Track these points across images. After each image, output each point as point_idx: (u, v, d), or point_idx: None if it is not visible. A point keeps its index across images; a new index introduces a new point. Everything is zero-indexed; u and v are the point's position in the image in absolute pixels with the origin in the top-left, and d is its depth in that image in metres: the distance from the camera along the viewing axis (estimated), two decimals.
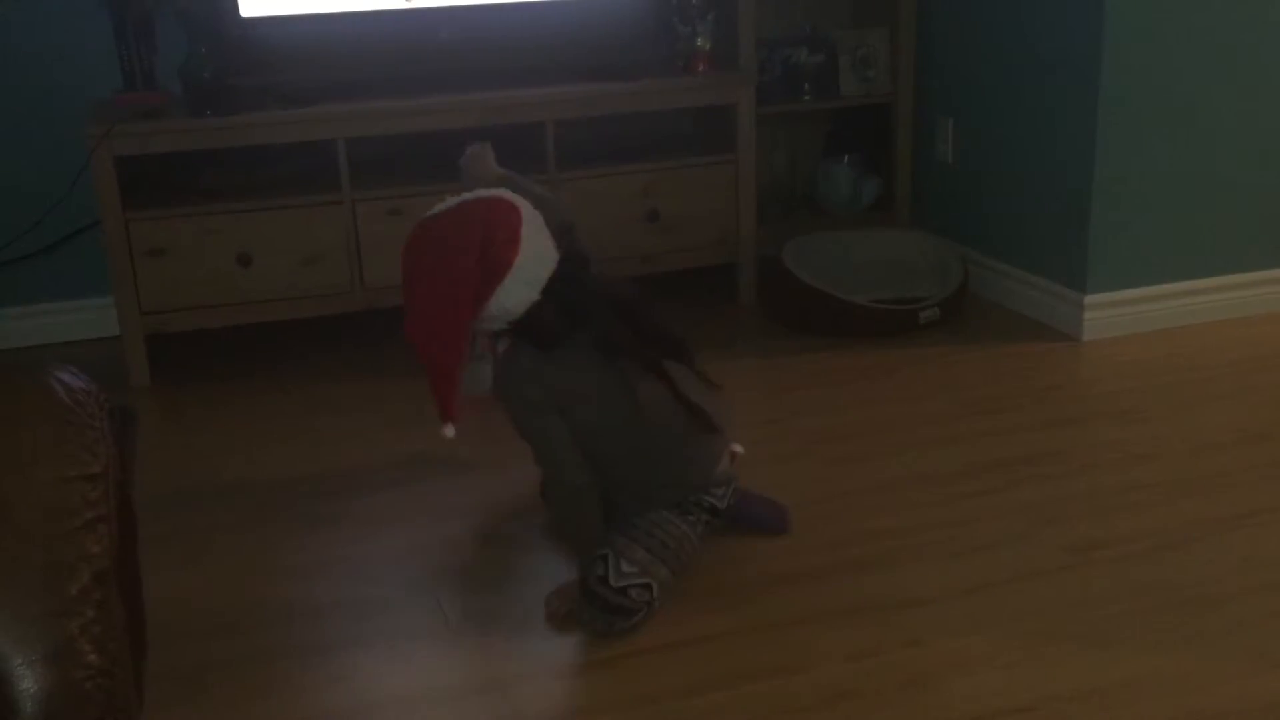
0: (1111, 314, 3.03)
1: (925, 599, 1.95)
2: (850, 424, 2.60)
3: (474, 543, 2.19)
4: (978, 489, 2.30)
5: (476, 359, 2.02)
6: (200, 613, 1.97)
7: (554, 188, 3.08)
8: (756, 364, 2.99)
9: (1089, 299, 3.01)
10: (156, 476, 2.41)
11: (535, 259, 1.87)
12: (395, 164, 3.15)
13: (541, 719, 1.71)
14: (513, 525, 2.25)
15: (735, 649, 1.84)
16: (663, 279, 3.32)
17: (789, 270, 3.16)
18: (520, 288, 1.86)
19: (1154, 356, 2.92)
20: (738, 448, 2.08)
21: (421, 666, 1.83)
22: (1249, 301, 3.16)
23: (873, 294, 3.16)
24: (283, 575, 2.09)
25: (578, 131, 3.20)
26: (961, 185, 3.44)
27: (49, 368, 1.24)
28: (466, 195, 1.90)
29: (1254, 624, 1.86)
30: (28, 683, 1.01)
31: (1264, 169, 3.09)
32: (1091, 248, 2.98)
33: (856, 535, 2.15)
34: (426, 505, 2.31)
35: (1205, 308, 3.12)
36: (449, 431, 1.86)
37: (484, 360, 2.10)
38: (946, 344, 3.02)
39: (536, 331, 1.90)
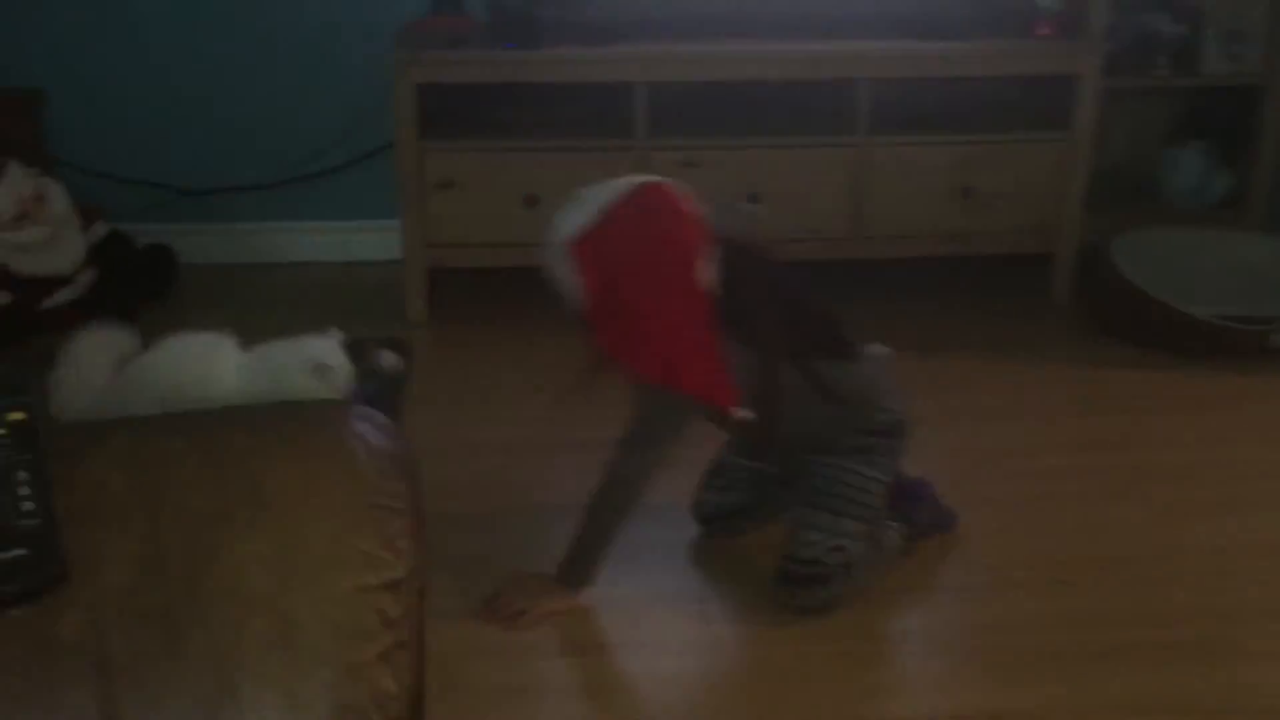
0: None
1: (1267, 709, 1.62)
2: (1183, 464, 2.24)
3: (746, 546, 1.99)
4: None
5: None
6: (448, 596, 1.85)
7: (860, 152, 2.84)
8: (1069, 375, 2.64)
9: None
10: (416, 425, 2.34)
11: None
12: (688, 112, 2.96)
13: None
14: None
15: None
16: (967, 263, 3.02)
17: (1117, 269, 2.79)
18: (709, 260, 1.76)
19: None
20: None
21: (686, 675, 1.68)
22: None
23: (1216, 307, 2.74)
24: (543, 554, 1.95)
25: (889, 92, 2.90)
26: None
27: (351, 417, 1.05)
28: (609, 189, 1.83)
29: None
30: None
31: None
32: None
33: (1181, 611, 1.83)
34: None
35: None
36: (743, 413, 1.76)
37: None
38: None
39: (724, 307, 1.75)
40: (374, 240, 3.20)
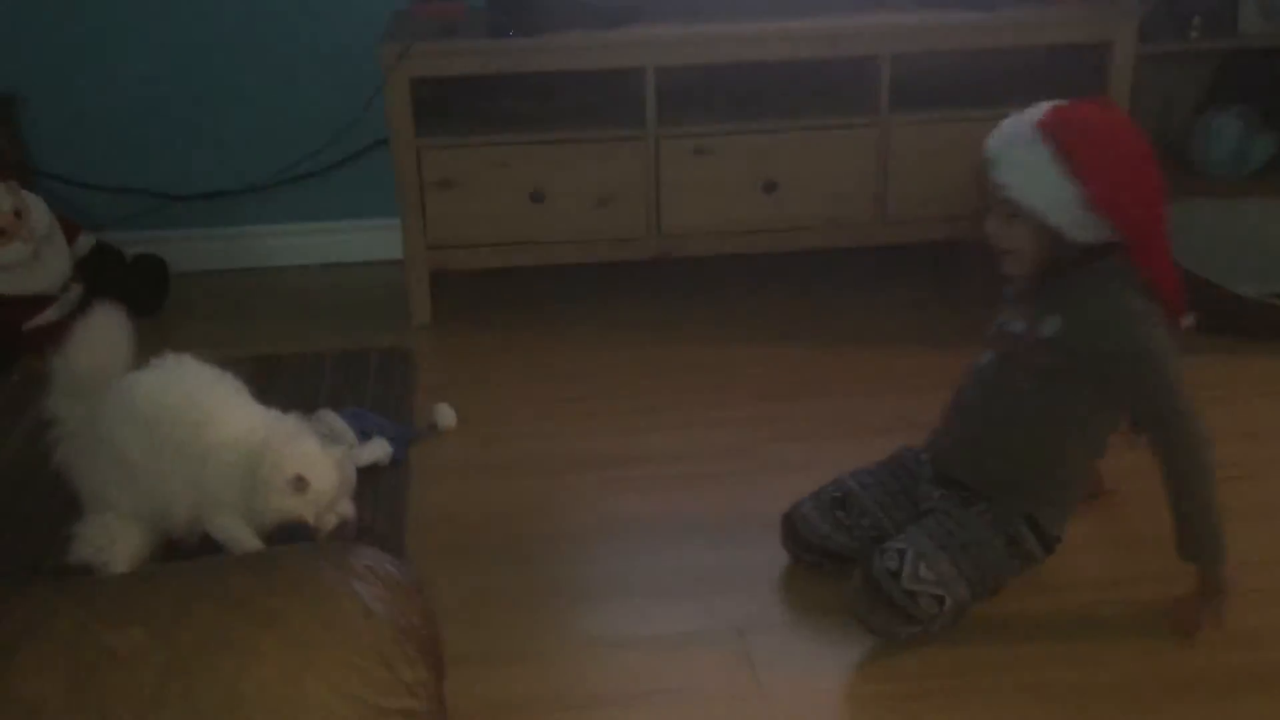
0: None
1: None
2: (1239, 458, 2.08)
3: (790, 568, 1.85)
4: None
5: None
6: (463, 641, 1.69)
7: (882, 133, 2.68)
8: None
9: None
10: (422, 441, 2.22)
11: None
12: (699, 97, 2.80)
13: None
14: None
15: None
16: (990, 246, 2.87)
17: None
18: None
19: None
20: None
21: None
22: None
23: (1266, 284, 2.60)
24: (565, 590, 1.83)
25: (911, 68, 2.73)
26: None
27: (352, 577, 0.85)
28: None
29: None
30: None
31: None
32: None
33: (1240, 635, 1.68)
34: (735, 511, 1.99)
35: None
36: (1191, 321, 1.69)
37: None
38: None
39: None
40: (374, 239, 3.06)
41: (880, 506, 1.81)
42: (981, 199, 1.69)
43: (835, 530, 1.80)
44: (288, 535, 1.85)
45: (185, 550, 1.87)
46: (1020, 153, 1.61)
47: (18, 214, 2.58)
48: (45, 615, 0.84)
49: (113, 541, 1.81)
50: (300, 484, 1.82)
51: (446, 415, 2.27)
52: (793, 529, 1.84)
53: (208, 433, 1.85)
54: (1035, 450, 1.72)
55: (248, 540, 1.81)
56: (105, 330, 1.90)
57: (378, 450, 2.08)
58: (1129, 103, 2.74)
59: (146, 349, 2.14)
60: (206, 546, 1.86)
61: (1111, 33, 2.68)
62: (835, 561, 1.81)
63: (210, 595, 0.84)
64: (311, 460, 1.86)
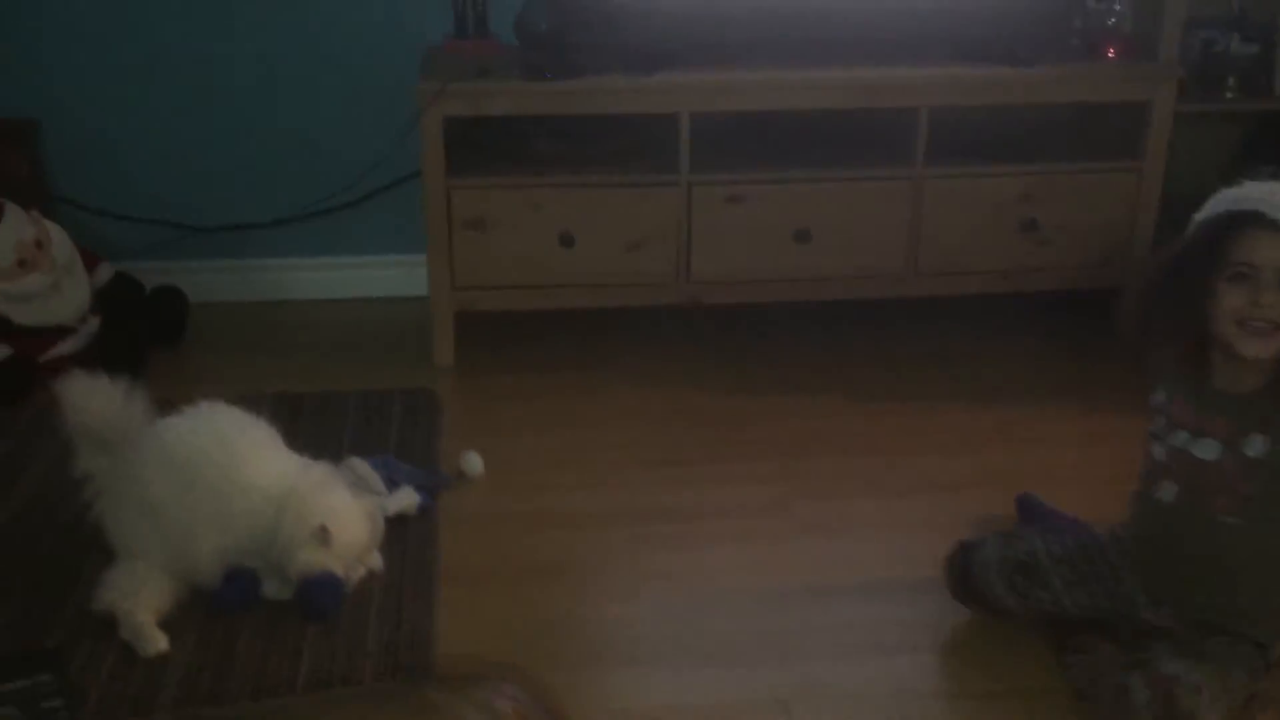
0: None
1: None
2: None
3: (831, 635, 1.80)
4: None
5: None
6: None
7: (916, 185, 2.66)
8: (1127, 426, 2.44)
9: None
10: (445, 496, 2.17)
11: None
12: (734, 144, 2.77)
13: None
14: (880, 609, 1.84)
15: None
16: (1025, 301, 2.85)
17: None
18: None
19: None
20: None
21: None
22: None
23: None
24: (598, 654, 1.78)
25: (947, 120, 2.71)
26: None
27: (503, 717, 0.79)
28: None
29: None
30: None
31: None
32: None
33: None
34: (772, 573, 1.95)
35: None
36: None
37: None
38: None
39: None
40: (398, 275, 3.02)
41: (1064, 585, 1.72)
42: (1210, 270, 1.59)
43: (1008, 593, 1.74)
44: (315, 586, 1.81)
45: (209, 598, 1.83)
46: None
47: (39, 244, 2.54)
48: None
49: (137, 589, 1.77)
50: (325, 536, 1.79)
51: (474, 463, 2.22)
52: (967, 575, 1.78)
53: (238, 476, 1.83)
54: (1260, 582, 1.62)
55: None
56: (92, 395, 1.88)
57: (405, 500, 2.04)
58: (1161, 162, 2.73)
59: (165, 382, 2.10)
60: (234, 596, 1.82)
61: (1150, 91, 2.67)
62: (995, 617, 1.78)
63: None
64: (340, 512, 1.82)
